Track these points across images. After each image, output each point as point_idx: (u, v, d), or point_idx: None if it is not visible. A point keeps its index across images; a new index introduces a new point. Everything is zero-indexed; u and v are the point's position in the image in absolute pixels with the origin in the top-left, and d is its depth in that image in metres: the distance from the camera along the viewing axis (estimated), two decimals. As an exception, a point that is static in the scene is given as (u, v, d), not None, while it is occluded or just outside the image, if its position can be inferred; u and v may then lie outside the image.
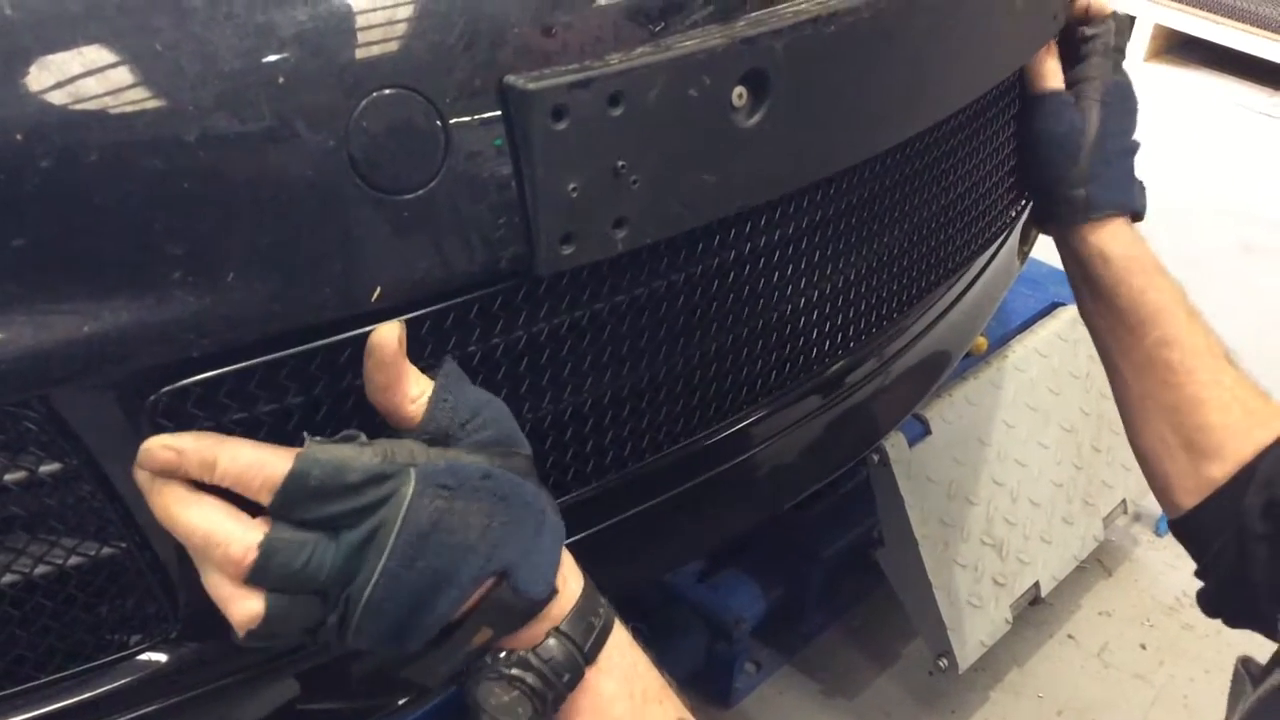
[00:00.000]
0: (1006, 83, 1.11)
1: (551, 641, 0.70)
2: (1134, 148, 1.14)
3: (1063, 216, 1.13)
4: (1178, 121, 3.31)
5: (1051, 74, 1.15)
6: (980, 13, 0.95)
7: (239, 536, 0.63)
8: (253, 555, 0.62)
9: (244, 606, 0.63)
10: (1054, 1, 1.08)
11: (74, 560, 0.69)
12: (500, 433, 0.70)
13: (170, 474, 0.63)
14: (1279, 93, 3.54)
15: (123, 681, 0.73)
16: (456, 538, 0.65)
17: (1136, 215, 1.13)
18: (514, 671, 0.69)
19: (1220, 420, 1.05)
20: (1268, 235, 2.93)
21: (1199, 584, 1.11)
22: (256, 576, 0.63)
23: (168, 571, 0.72)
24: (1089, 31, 1.15)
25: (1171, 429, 1.08)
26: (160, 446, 0.63)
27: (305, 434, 0.64)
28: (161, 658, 0.74)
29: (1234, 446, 1.04)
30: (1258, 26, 3.23)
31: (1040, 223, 1.21)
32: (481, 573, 0.67)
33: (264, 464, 0.63)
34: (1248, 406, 1.05)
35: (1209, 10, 3.22)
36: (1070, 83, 1.14)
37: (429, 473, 0.65)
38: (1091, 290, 1.14)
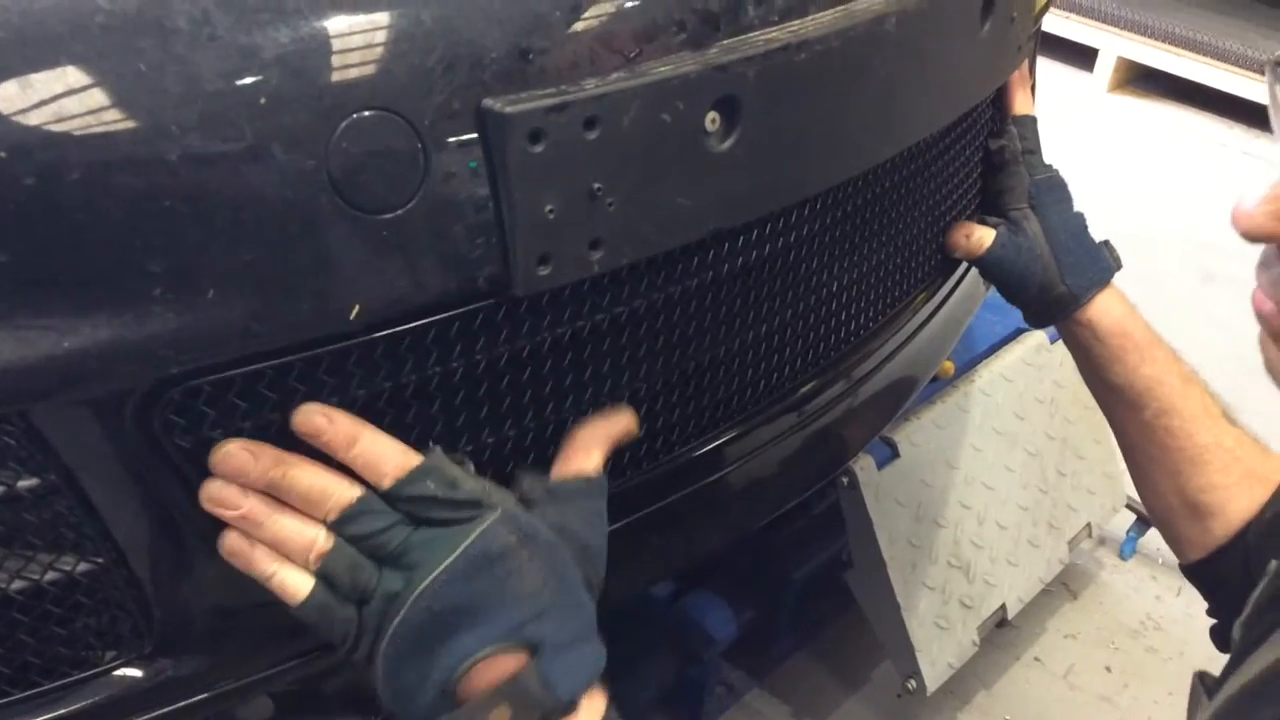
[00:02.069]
0: (975, 110, 1.14)
1: None
2: (1082, 222, 1.18)
3: (1054, 315, 1.18)
4: (1139, 152, 3.37)
5: (1021, 103, 1.19)
6: (946, 43, 0.97)
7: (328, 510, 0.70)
8: (330, 544, 0.69)
9: (293, 577, 0.69)
10: (1018, 33, 1.10)
11: (50, 575, 0.69)
12: (583, 530, 0.77)
13: (314, 438, 0.70)
14: (1238, 125, 3.62)
15: (97, 698, 0.73)
16: (511, 581, 0.70)
17: (1115, 270, 1.17)
18: None
19: (1221, 481, 1.08)
20: (1227, 264, 2.99)
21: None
22: (340, 521, 0.69)
23: (143, 587, 0.72)
24: (994, 144, 1.20)
25: (1175, 491, 1.11)
26: (317, 411, 0.70)
27: (431, 443, 0.73)
28: (136, 674, 0.74)
29: (1236, 506, 1.07)
30: (1218, 60, 3.30)
31: (1035, 324, 1.25)
32: (516, 632, 0.70)
33: (399, 451, 0.71)
34: (1247, 465, 1.08)
35: (1171, 43, 3.29)
36: (997, 197, 1.20)
37: (512, 514, 0.73)
38: (1090, 368, 1.18)
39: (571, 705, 0.71)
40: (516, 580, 0.71)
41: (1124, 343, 1.13)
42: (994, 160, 1.21)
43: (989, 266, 1.20)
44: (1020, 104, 1.20)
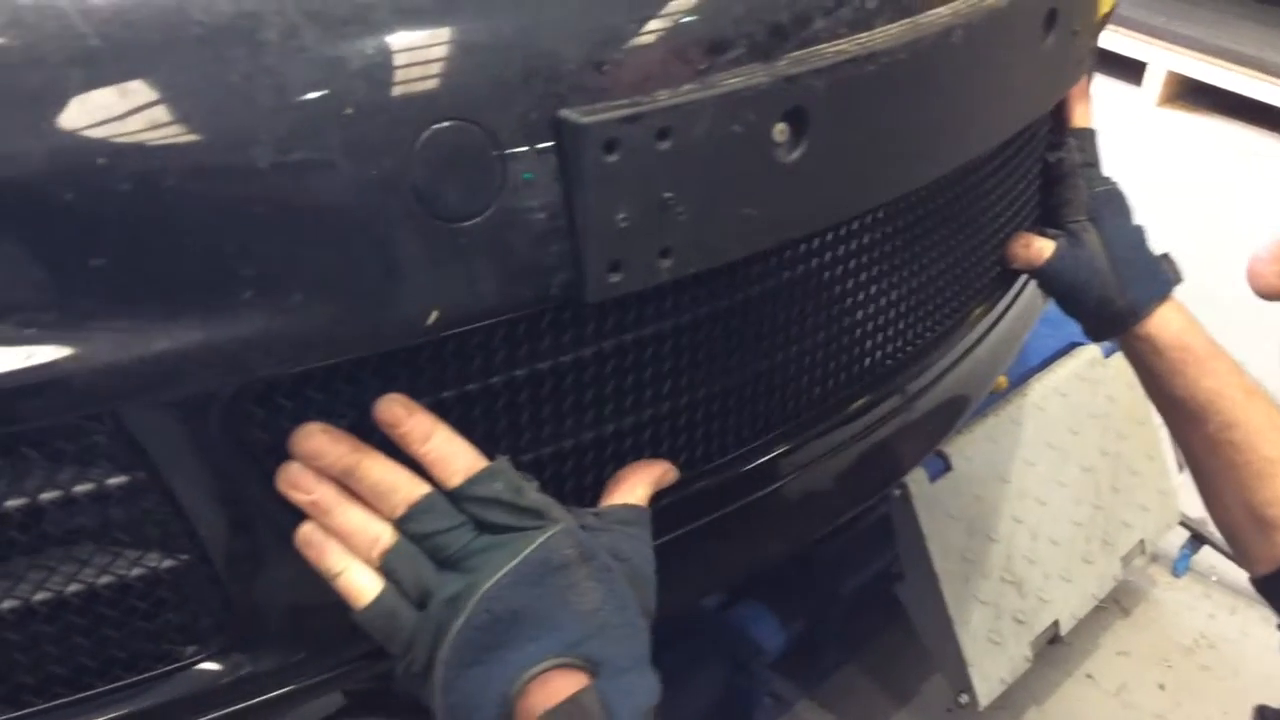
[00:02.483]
0: (1036, 123, 1.14)
1: None
2: (1142, 235, 1.17)
3: (1113, 328, 1.17)
4: (1189, 166, 3.33)
5: (1080, 115, 1.19)
6: (1010, 55, 0.97)
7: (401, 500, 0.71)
8: (393, 540, 0.71)
9: (361, 578, 0.70)
10: (1079, 48, 1.11)
11: (136, 571, 0.71)
12: (635, 557, 0.78)
13: (391, 429, 0.71)
14: (1289, 139, 3.57)
15: (178, 692, 0.75)
16: (570, 594, 0.71)
17: (1176, 283, 1.16)
18: None
19: None
20: (1281, 280, 2.95)
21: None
22: (405, 517, 0.71)
23: (223, 584, 0.74)
24: (1052, 157, 1.20)
25: (1241, 504, 1.10)
26: (398, 402, 0.72)
27: (498, 455, 0.74)
28: (216, 668, 0.75)
29: None
30: (1268, 74, 3.26)
31: (1095, 337, 1.23)
32: (577, 646, 0.70)
33: (470, 453, 0.73)
34: None
35: (1221, 57, 3.25)
36: (1056, 209, 1.19)
37: (573, 530, 0.74)
38: (1151, 381, 1.17)
39: None
40: (576, 595, 0.71)
41: (1184, 355, 1.12)
42: (1052, 173, 1.20)
43: (1048, 279, 1.19)
44: (1079, 116, 1.20)
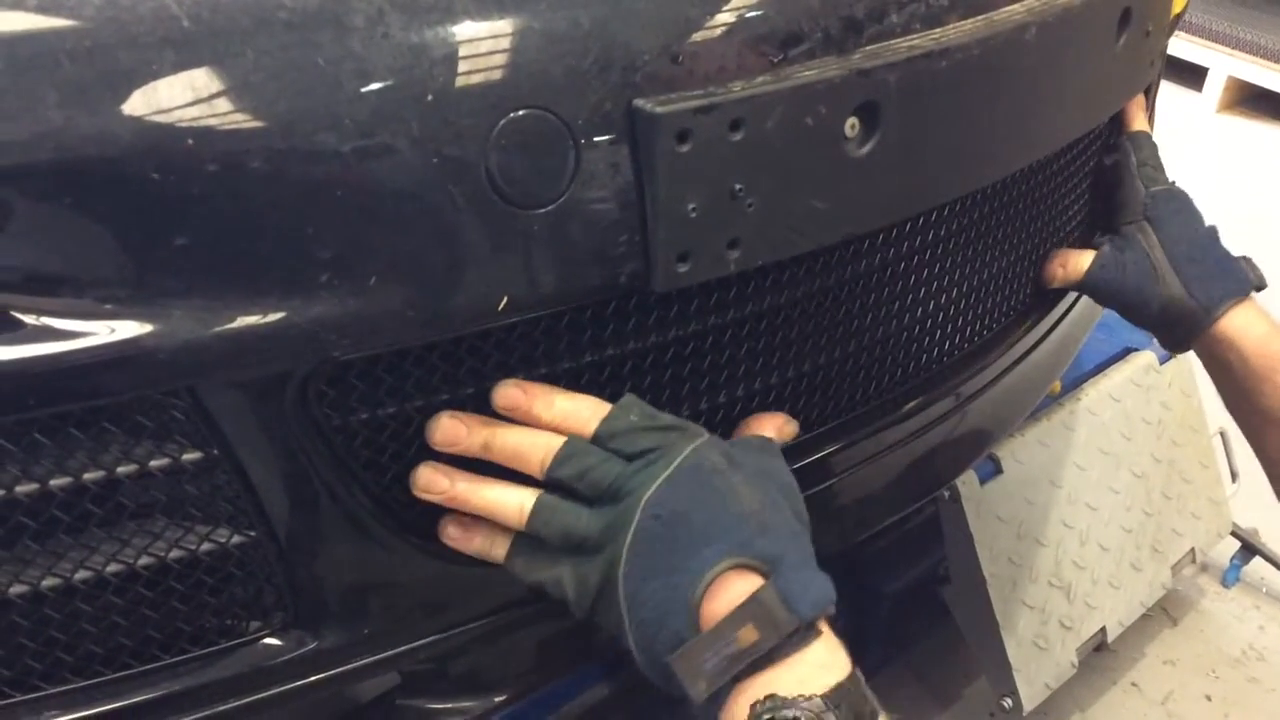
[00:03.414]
0: (1102, 126, 1.13)
1: (819, 701, 0.65)
2: (1212, 234, 1.13)
3: (1186, 332, 1.12)
4: (1249, 173, 3.29)
5: (1136, 119, 1.17)
6: (1083, 55, 0.97)
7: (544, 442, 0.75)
8: (533, 501, 0.74)
9: (517, 495, 0.74)
10: (1151, 49, 1.09)
11: (206, 546, 0.72)
12: (779, 472, 0.80)
13: (513, 411, 0.75)
14: (1351, 148, 3.50)
15: (242, 666, 0.76)
16: (729, 498, 0.72)
17: (1258, 287, 1.12)
18: (792, 716, 0.64)
19: None
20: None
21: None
22: (554, 466, 0.74)
23: (290, 561, 0.75)
24: (1108, 160, 1.17)
25: None
26: (515, 387, 0.75)
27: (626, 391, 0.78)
28: (279, 644, 0.76)
29: None
30: (1331, 82, 3.20)
31: (1171, 348, 1.19)
32: (749, 545, 0.70)
33: (594, 401, 0.76)
34: None
35: (1283, 64, 3.20)
36: (1110, 212, 1.16)
37: (718, 441, 0.76)
38: (1233, 389, 1.13)
39: (813, 627, 0.68)
40: (734, 499, 0.72)
41: (1271, 361, 1.07)
42: (1108, 176, 1.18)
43: (1095, 290, 1.16)
44: (1135, 120, 1.18)
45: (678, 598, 0.69)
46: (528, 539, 0.76)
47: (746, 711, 0.65)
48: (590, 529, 0.73)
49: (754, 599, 0.67)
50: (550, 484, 0.75)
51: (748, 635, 0.66)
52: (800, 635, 0.67)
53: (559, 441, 0.74)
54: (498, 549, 0.77)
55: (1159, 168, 1.17)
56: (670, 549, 0.70)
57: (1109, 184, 1.18)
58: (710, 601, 0.69)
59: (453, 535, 0.77)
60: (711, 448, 0.74)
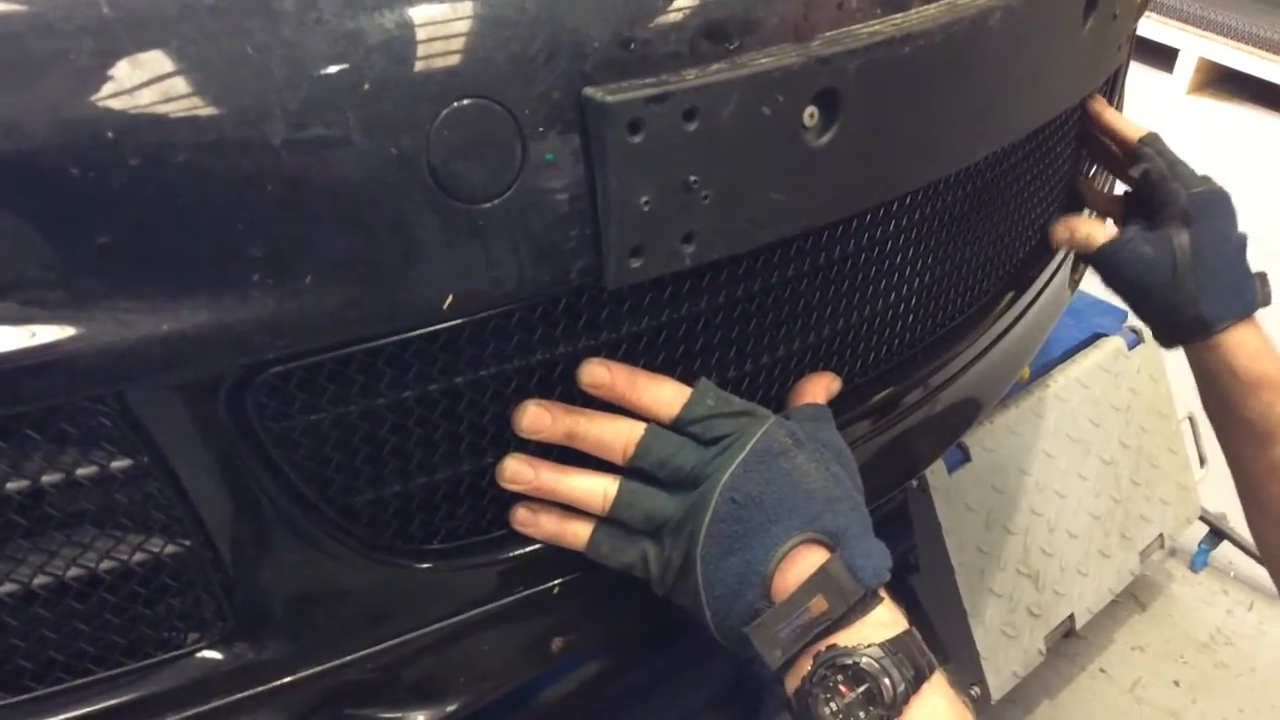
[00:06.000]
0: (1068, 111, 1.11)
1: (877, 648, 0.71)
2: (1240, 246, 1.11)
3: (1183, 337, 1.12)
4: (1220, 155, 3.29)
5: (1132, 127, 1.15)
6: (1049, 40, 0.94)
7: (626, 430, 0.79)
8: (616, 487, 0.78)
9: (600, 482, 0.78)
10: (1119, 33, 1.07)
11: (139, 556, 0.69)
12: (833, 441, 0.84)
13: (599, 389, 0.77)
14: (1321, 129, 3.51)
15: (179, 679, 0.73)
16: (796, 476, 0.77)
17: (1262, 304, 1.10)
18: (852, 662, 0.71)
19: None
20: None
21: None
22: (637, 456, 0.78)
23: (228, 571, 0.72)
24: (1136, 171, 1.13)
25: None
26: (600, 365, 0.77)
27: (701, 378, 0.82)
28: (218, 656, 0.74)
29: None
30: (1300, 62, 3.21)
31: (1164, 343, 1.18)
32: (815, 521, 0.75)
33: (674, 384, 0.80)
34: None
35: (1254, 45, 3.20)
36: (1151, 217, 1.12)
37: (783, 421, 0.81)
38: (1218, 399, 1.12)
39: (875, 594, 0.75)
40: (801, 476, 0.77)
41: (1260, 378, 1.07)
42: (1141, 186, 1.13)
43: (1104, 267, 1.14)
44: (1131, 127, 1.15)
45: (752, 573, 0.75)
46: (610, 523, 0.79)
47: (810, 662, 0.72)
48: (672, 512, 0.78)
49: (822, 571, 0.73)
50: (631, 470, 0.79)
51: (818, 605, 0.72)
52: (865, 601, 0.73)
53: (639, 430, 0.78)
54: (571, 533, 0.80)
55: (1187, 166, 1.13)
56: (745, 529, 0.75)
57: (1145, 193, 1.13)
58: (782, 575, 0.74)
59: (522, 520, 0.79)
60: (778, 428, 0.79)
